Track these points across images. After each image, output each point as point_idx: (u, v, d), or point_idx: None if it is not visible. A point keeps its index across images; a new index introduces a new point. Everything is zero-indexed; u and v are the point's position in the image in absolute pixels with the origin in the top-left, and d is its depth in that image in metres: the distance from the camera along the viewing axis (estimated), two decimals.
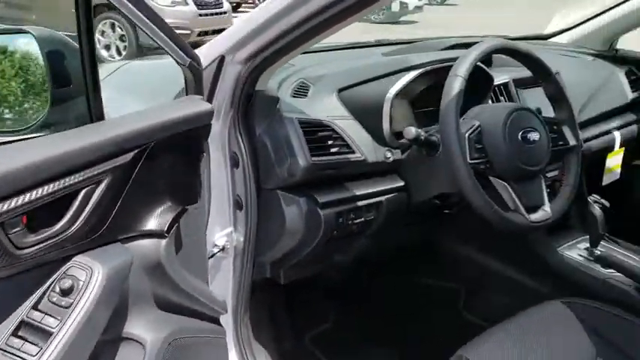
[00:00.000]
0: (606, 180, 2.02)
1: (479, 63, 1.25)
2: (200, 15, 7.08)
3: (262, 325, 1.51)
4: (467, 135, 1.16)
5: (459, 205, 1.48)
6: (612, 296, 1.41)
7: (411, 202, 1.38)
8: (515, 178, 1.22)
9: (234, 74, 1.16)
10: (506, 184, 1.21)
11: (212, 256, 1.25)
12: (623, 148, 2.02)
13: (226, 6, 7.67)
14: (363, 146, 1.29)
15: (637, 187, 2.20)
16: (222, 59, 1.14)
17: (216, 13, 7.43)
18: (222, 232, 1.28)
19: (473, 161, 1.15)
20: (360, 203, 1.29)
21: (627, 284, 1.42)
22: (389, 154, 1.34)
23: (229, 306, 1.30)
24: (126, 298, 0.94)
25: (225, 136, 1.22)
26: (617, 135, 1.96)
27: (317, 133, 1.23)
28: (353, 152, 1.26)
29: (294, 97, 1.32)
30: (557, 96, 1.34)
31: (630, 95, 2.06)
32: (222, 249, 1.28)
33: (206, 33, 6.93)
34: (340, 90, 1.36)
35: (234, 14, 8.42)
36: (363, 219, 1.30)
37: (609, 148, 1.95)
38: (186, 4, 6.94)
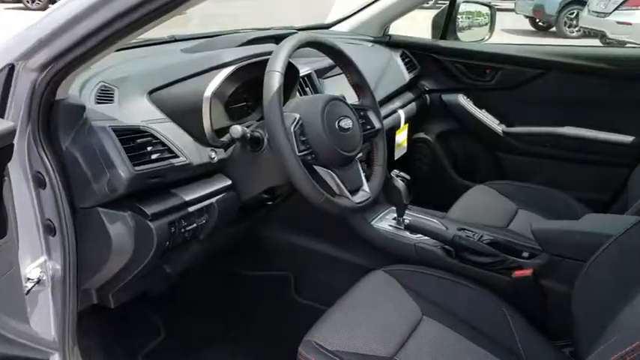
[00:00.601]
0: (397, 154, 2.24)
1: None
2: None
3: (93, 354, 1.38)
4: (292, 129, 1.19)
5: (282, 196, 1.51)
6: (424, 258, 1.57)
7: (240, 199, 1.37)
8: (337, 165, 1.28)
9: (29, 84, 1.01)
10: (330, 171, 1.27)
11: (28, 292, 1.09)
12: (407, 125, 2.26)
13: None
14: (186, 149, 1.23)
15: (419, 158, 2.49)
16: (12, 68, 0.99)
17: None
18: (35, 263, 1.12)
19: (300, 154, 1.18)
20: (191, 209, 1.23)
21: (433, 245, 1.59)
22: (213, 154, 1.30)
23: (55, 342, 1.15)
24: None
25: (25, 154, 1.06)
26: (402, 113, 2.18)
27: (135, 141, 1.13)
28: (176, 156, 1.20)
29: (99, 103, 1.20)
30: (360, 84, 1.43)
31: (407, 76, 2.30)
32: (38, 281, 1.12)
33: None
34: (151, 92, 1.28)
35: None
36: (195, 224, 1.25)
37: (396, 126, 2.17)
38: None
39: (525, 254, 1.51)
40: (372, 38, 2.38)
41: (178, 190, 1.23)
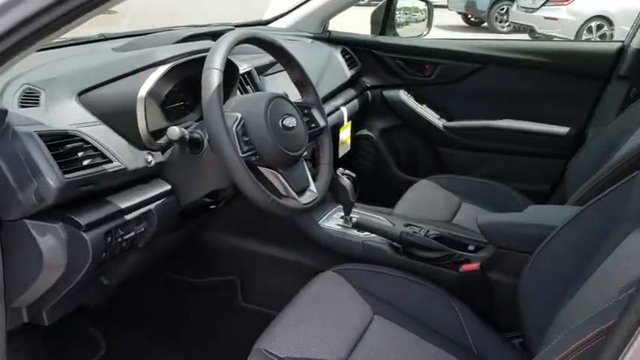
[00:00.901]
0: (341, 152, 2.22)
1: None
2: None
3: None
4: (234, 129, 1.14)
5: (226, 199, 1.46)
6: (372, 256, 1.55)
7: (180, 204, 1.30)
8: (282, 165, 1.25)
9: None
10: (275, 172, 1.23)
11: None
12: (350, 122, 2.25)
13: None
14: (120, 153, 1.16)
15: (362, 155, 2.48)
16: None
17: None
18: None
19: (243, 155, 1.14)
20: (129, 217, 1.16)
21: (381, 242, 1.58)
22: (150, 158, 1.23)
23: None
24: None
25: None
26: (344, 110, 2.16)
27: (64, 146, 1.05)
28: (110, 162, 1.13)
29: (24, 106, 1.11)
30: (303, 81, 1.40)
31: (348, 73, 2.29)
32: None
33: None
34: (80, 93, 1.20)
35: None
36: (133, 233, 1.17)
37: (340, 124, 2.15)
38: None
39: (471, 247, 1.52)
40: (311, 34, 2.36)
41: (114, 197, 1.16)
